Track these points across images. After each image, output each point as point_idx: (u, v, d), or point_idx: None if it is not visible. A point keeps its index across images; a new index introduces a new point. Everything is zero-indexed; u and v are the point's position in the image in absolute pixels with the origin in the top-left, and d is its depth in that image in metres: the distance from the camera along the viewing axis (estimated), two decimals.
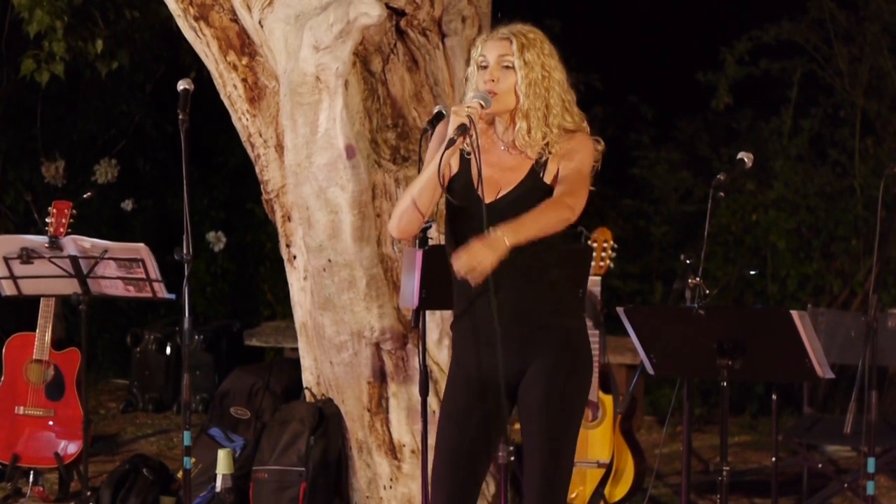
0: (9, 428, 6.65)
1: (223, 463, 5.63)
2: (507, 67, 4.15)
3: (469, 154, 4.17)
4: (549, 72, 4.16)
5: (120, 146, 9.80)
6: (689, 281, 4.60)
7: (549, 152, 4.18)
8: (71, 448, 6.63)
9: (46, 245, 5.91)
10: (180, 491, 5.92)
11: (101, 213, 9.69)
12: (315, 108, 5.58)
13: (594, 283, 6.04)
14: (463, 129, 4.05)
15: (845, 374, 6.56)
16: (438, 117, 4.98)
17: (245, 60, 5.97)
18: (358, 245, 5.69)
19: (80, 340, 6.19)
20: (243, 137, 6.11)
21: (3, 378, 6.71)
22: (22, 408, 6.66)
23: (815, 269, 8.59)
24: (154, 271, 5.83)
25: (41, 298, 6.53)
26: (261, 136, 6.02)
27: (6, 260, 5.95)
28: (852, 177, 8.61)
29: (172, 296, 5.85)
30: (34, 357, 6.65)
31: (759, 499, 6.70)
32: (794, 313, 4.44)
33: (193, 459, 5.50)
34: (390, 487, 5.91)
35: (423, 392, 5.27)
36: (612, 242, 6.17)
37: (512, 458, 5.52)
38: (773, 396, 6.04)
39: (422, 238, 4.96)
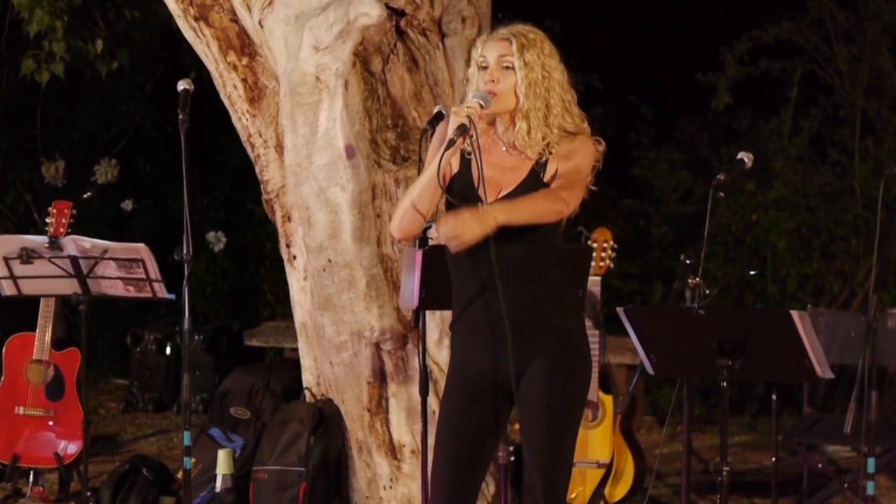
0: (9, 428, 6.65)
1: (223, 463, 5.63)
2: (508, 68, 4.15)
3: (469, 154, 4.17)
4: (549, 72, 4.16)
5: (120, 146, 9.80)
6: (689, 281, 4.60)
7: (550, 153, 4.18)
8: (71, 448, 6.63)
9: (46, 245, 5.91)
10: (180, 491, 5.92)
11: (101, 213, 9.69)
12: (315, 109, 5.59)
13: (594, 283, 6.04)
14: (463, 130, 4.05)
15: (845, 374, 6.56)
16: (438, 117, 4.98)
17: (245, 60, 5.97)
18: (358, 245, 5.69)
19: (80, 340, 6.18)
20: (243, 137, 6.11)
21: (3, 378, 6.71)
22: (22, 408, 6.66)
23: (815, 269, 8.59)
24: (154, 271, 5.83)
25: (41, 298, 6.53)
26: (261, 136, 6.02)
27: (6, 260, 5.94)
28: (852, 177, 8.61)
29: (172, 296, 5.85)
30: (34, 357, 6.65)
31: (759, 499, 6.70)
32: (794, 313, 4.44)
33: (193, 459, 5.50)
34: (390, 487, 5.91)
35: (423, 392, 5.27)
36: (612, 242, 6.17)
37: (512, 458, 5.52)
38: (773, 396, 6.04)
39: (422, 238, 4.96)
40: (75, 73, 8.48)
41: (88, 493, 6.08)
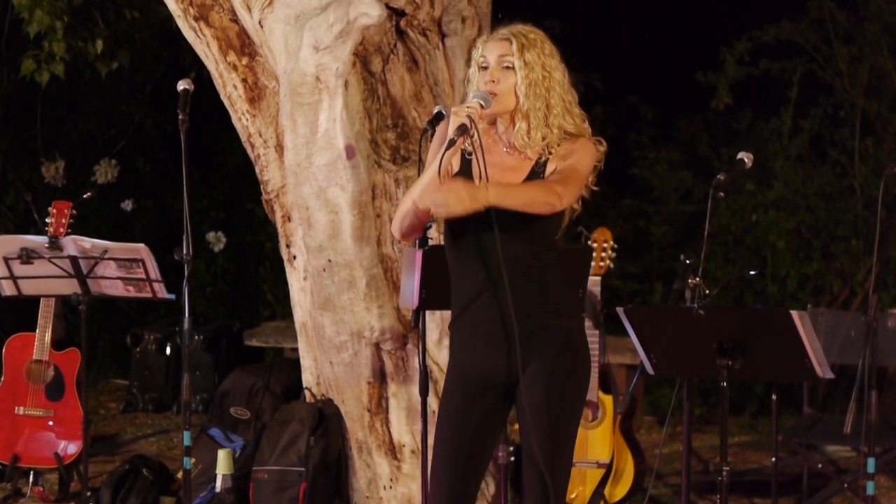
0: (9, 428, 6.65)
1: (223, 463, 5.63)
2: (508, 68, 4.15)
3: (470, 154, 4.17)
4: (549, 72, 4.16)
5: (120, 146, 9.80)
6: (689, 281, 4.60)
7: (549, 153, 4.18)
8: (71, 448, 6.63)
9: (46, 245, 5.91)
10: (180, 491, 5.92)
11: (101, 213, 9.69)
12: (315, 109, 5.59)
13: (594, 283, 6.04)
14: (463, 130, 4.05)
15: (845, 374, 6.56)
16: (438, 117, 4.98)
17: (245, 60, 5.97)
18: (358, 245, 5.69)
19: (80, 340, 6.18)
20: (243, 137, 6.11)
21: (3, 378, 6.71)
22: (22, 408, 6.66)
23: (815, 269, 8.60)
24: (154, 271, 5.83)
25: (41, 299, 6.53)
26: (261, 136, 6.02)
27: (6, 260, 5.94)
28: (852, 177, 8.61)
29: (172, 296, 5.85)
30: (34, 357, 6.65)
31: (759, 499, 6.70)
32: (794, 313, 4.44)
33: (193, 459, 5.50)
34: (390, 487, 5.91)
35: (423, 392, 5.27)
36: (612, 242, 6.17)
37: (512, 459, 5.52)
38: (773, 396, 6.04)
39: (422, 238, 4.96)
40: (75, 74, 8.48)
41: (88, 494, 6.08)
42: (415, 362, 5.74)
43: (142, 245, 5.85)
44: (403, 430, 5.88)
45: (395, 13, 5.84)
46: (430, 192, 4.04)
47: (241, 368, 7.14)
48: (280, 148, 5.90)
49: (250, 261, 9.92)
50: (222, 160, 9.89)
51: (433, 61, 5.92)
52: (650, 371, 4.74)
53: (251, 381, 6.83)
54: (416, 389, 5.49)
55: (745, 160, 4.79)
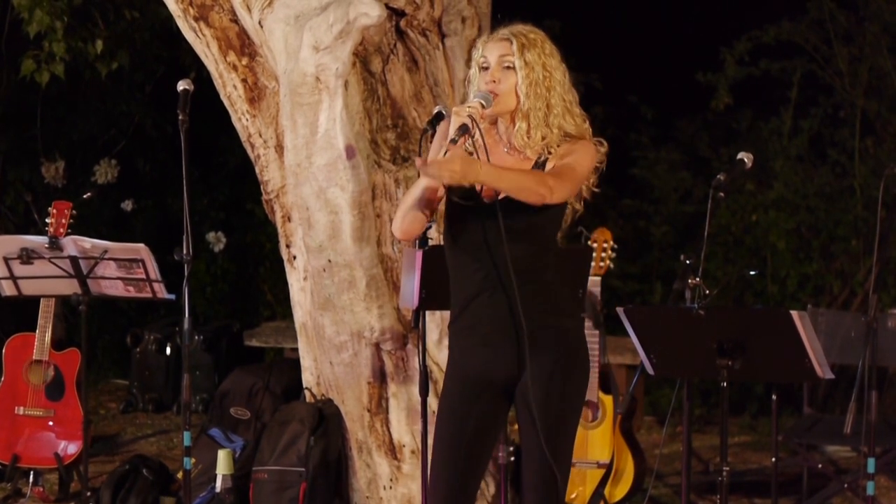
0: (9, 428, 6.65)
1: (223, 463, 5.63)
2: (508, 68, 4.15)
3: (471, 154, 4.17)
4: (549, 72, 4.16)
5: (120, 146, 9.80)
6: (689, 281, 4.60)
7: (549, 153, 4.18)
8: (71, 448, 6.63)
9: (46, 245, 5.91)
10: (180, 491, 5.92)
11: (101, 214, 9.69)
12: (315, 109, 5.59)
13: (594, 283, 6.04)
14: (464, 130, 4.06)
15: (845, 374, 6.56)
16: (438, 117, 4.98)
17: (245, 61, 5.97)
18: (358, 245, 5.69)
19: (80, 341, 6.18)
20: (243, 138, 6.11)
21: (3, 378, 6.71)
22: (22, 408, 6.66)
23: (815, 270, 8.60)
24: (154, 272, 5.83)
25: (41, 299, 6.53)
26: (261, 136, 6.02)
27: (6, 260, 5.95)
28: (852, 177, 8.61)
29: (172, 296, 5.85)
30: (34, 357, 6.65)
31: (759, 499, 6.70)
32: (794, 313, 4.44)
33: (193, 460, 5.50)
34: (390, 488, 5.91)
35: (423, 392, 5.27)
36: (612, 243, 6.17)
37: (512, 459, 5.52)
38: (773, 396, 6.04)
39: (422, 238, 4.96)
40: (75, 74, 8.48)
41: (88, 494, 6.08)
42: (415, 362, 5.74)
43: (142, 245, 5.85)
44: (403, 430, 5.88)
45: (395, 13, 5.84)
46: (431, 162, 4.03)
47: (241, 368, 7.14)
48: (280, 148, 5.90)
49: (250, 261, 9.92)
50: (222, 160, 9.89)
51: (433, 61, 5.92)
52: (650, 371, 4.74)
53: (251, 381, 6.83)
54: (416, 389, 5.49)
55: (745, 160, 4.79)
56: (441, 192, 4.20)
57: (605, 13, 9.49)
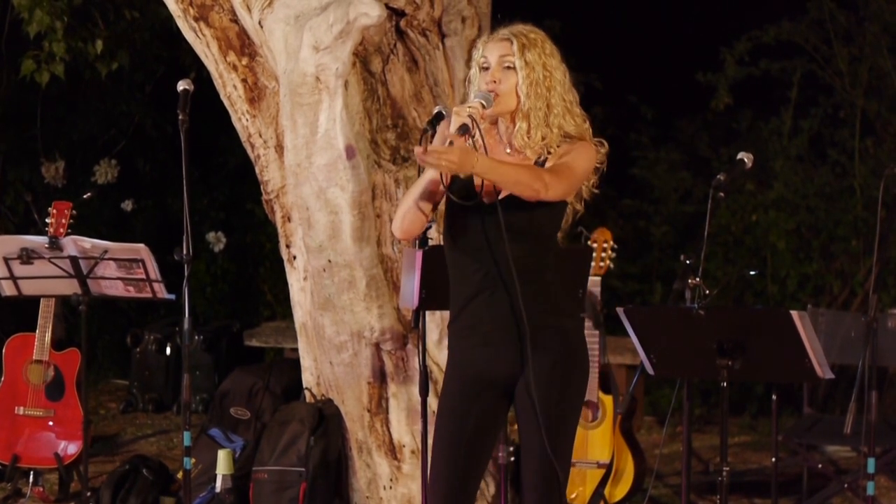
0: (9, 428, 6.65)
1: (223, 463, 5.63)
2: (509, 68, 4.15)
3: None
4: (550, 72, 4.16)
5: (120, 146, 9.80)
6: (689, 281, 4.60)
7: (549, 153, 4.18)
8: (71, 448, 6.63)
9: (46, 245, 5.91)
10: (180, 491, 5.92)
11: (101, 214, 9.69)
12: (315, 109, 5.58)
13: (594, 283, 6.04)
14: (464, 130, 4.05)
15: (845, 374, 6.56)
16: (438, 118, 4.97)
17: (245, 61, 5.97)
18: (358, 245, 5.69)
19: (80, 341, 6.18)
20: (243, 138, 6.11)
21: (3, 378, 6.71)
22: (22, 408, 6.66)
23: (815, 270, 8.60)
24: (154, 272, 5.83)
25: (41, 299, 6.53)
26: (261, 136, 6.02)
27: (6, 260, 5.94)
28: (852, 177, 8.61)
29: (172, 296, 5.84)
30: (34, 357, 6.65)
31: (759, 499, 6.69)
32: (794, 313, 4.44)
33: (193, 460, 5.50)
34: (390, 488, 5.91)
35: (423, 392, 5.27)
36: (611, 243, 6.17)
37: (512, 459, 5.51)
38: (773, 396, 6.04)
39: (422, 238, 4.96)
40: (75, 74, 8.48)
41: (88, 494, 6.08)
42: (415, 362, 5.74)
43: (142, 245, 5.85)
44: (403, 430, 5.88)
45: (395, 13, 5.84)
46: (430, 151, 4.02)
47: (241, 368, 7.14)
48: (280, 148, 5.90)
49: (250, 261, 9.92)
50: (222, 160, 9.89)
51: (433, 61, 5.92)
52: (650, 371, 4.74)
53: (251, 381, 6.83)
54: (416, 389, 5.49)
55: (745, 160, 4.79)
56: (442, 188, 4.20)
57: (605, 13, 9.49)
